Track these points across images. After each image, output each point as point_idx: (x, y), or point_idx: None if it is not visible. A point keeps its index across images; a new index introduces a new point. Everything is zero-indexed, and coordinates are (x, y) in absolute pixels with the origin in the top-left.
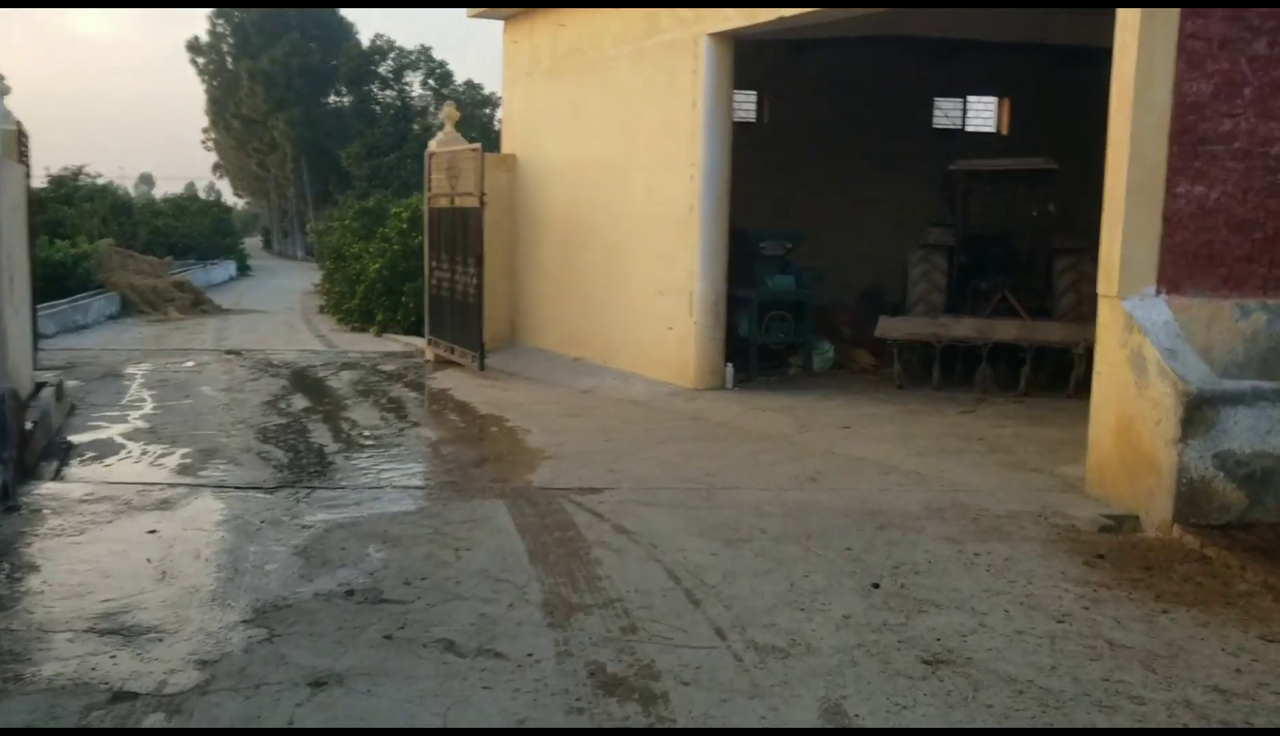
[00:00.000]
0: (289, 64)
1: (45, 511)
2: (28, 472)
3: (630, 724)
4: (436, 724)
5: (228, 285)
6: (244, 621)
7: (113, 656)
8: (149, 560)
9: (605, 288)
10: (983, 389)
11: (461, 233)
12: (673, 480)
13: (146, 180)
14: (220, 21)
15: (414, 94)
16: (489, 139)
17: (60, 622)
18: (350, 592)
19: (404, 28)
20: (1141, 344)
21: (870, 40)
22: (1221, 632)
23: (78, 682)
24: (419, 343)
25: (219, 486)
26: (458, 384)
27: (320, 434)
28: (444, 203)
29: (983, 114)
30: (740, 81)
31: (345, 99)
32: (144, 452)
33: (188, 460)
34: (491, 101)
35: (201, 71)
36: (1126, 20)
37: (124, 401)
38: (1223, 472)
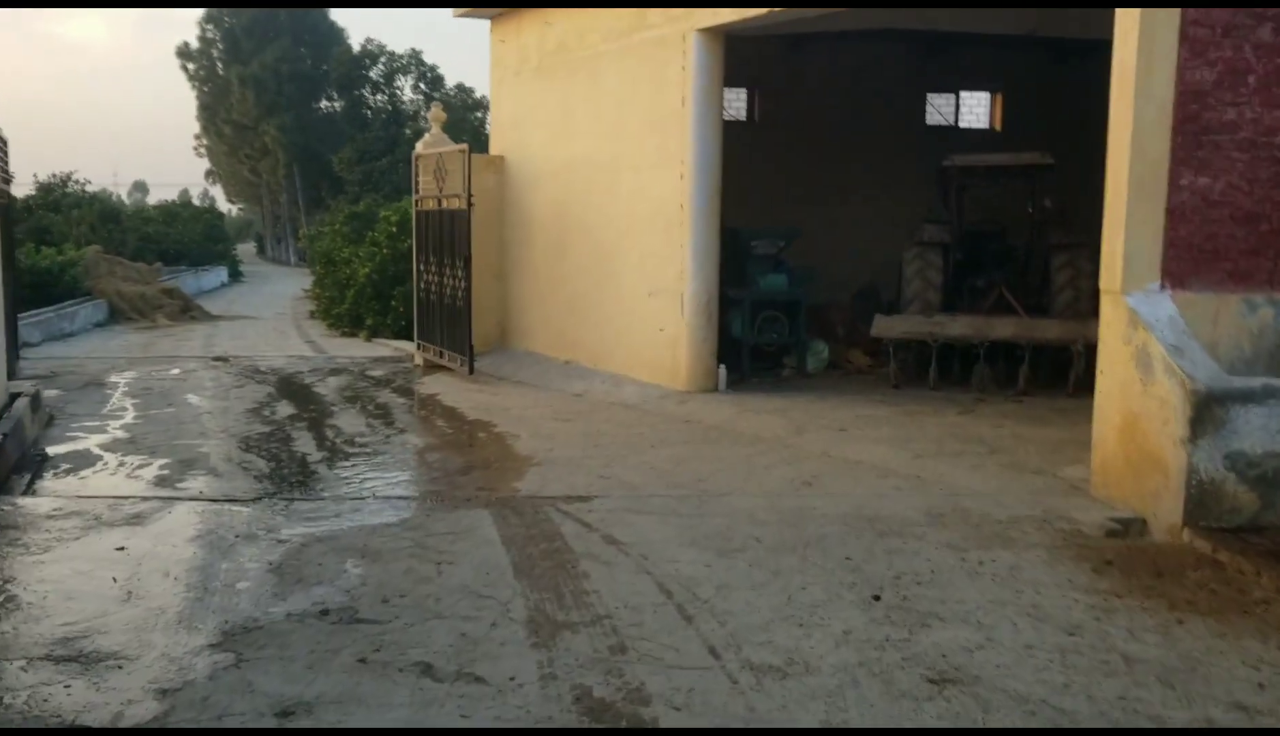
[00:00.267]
0: (279, 69)
1: (10, 528)
2: None
3: None
4: None
5: (219, 291)
6: (211, 645)
7: (67, 686)
8: (115, 579)
9: (595, 289)
10: (980, 388)
11: (449, 235)
12: (664, 486)
13: (140, 187)
14: (210, 27)
15: (405, 98)
16: (480, 142)
17: (15, 649)
18: (325, 612)
19: (394, 31)
20: (1147, 340)
21: (862, 35)
22: (1240, 644)
23: (27, 716)
24: (409, 347)
25: (195, 499)
26: (446, 389)
27: (304, 442)
28: (431, 205)
29: (976, 110)
30: (731, 79)
31: (336, 104)
32: (121, 464)
33: (165, 471)
34: (483, 105)
35: (192, 78)
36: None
37: (105, 411)
38: (1234, 473)
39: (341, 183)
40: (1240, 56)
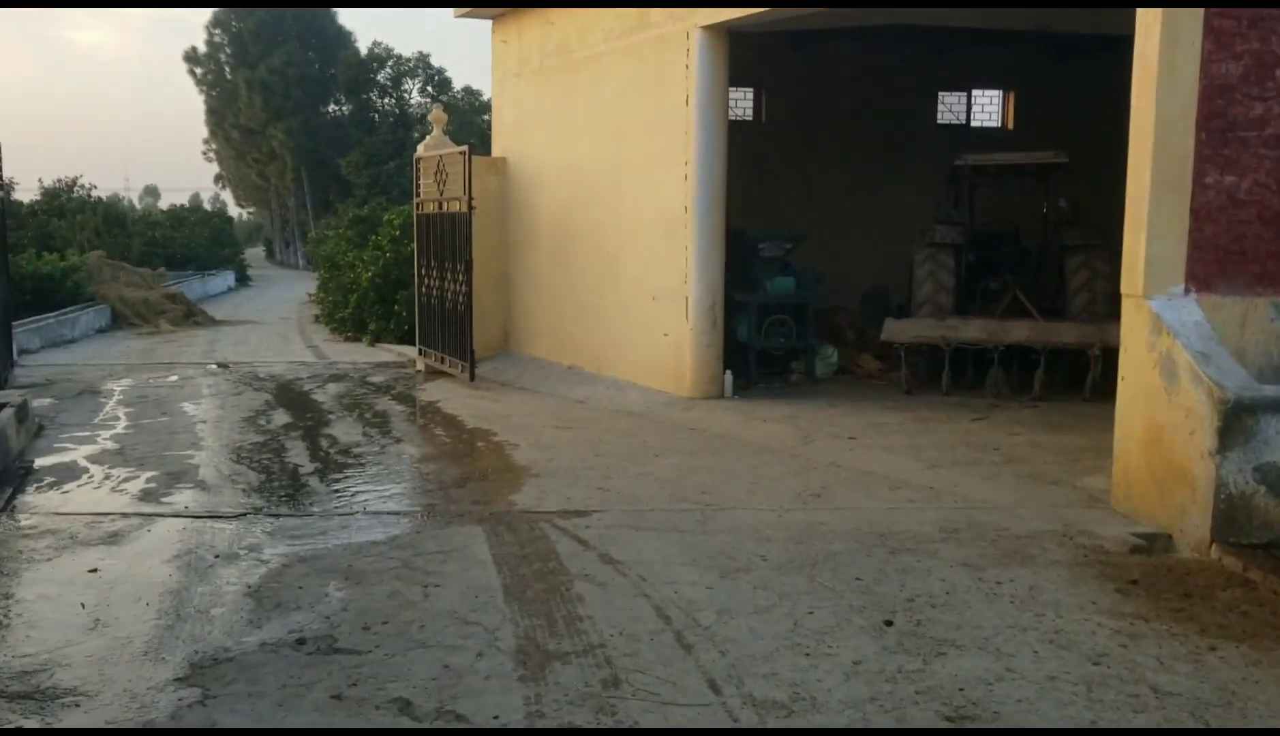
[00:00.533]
0: (287, 73)
1: None
2: None
3: None
4: None
5: (225, 296)
6: (177, 679)
7: (19, 727)
8: (83, 605)
9: (598, 293)
10: (995, 394)
11: (450, 239)
12: (666, 499)
13: (152, 192)
14: (218, 31)
15: (413, 101)
16: (487, 145)
17: None
18: (301, 641)
19: (401, 35)
20: (1171, 347)
21: (872, 33)
22: (1277, 673)
23: None
24: (411, 352)
25: (178, 515)
26: (447, 396)
27: (297, 453)
28: (432, 208)
29: (988, 108)
30: (737, 78)
31: (344, 107)
32: (107, 477)
33: (152, 485)
34: (490, 107)
35: (200, 82)
36: None
37: (96, 420)
38: (1264, 487)
39: (349, 186)
40: (1268, 49)
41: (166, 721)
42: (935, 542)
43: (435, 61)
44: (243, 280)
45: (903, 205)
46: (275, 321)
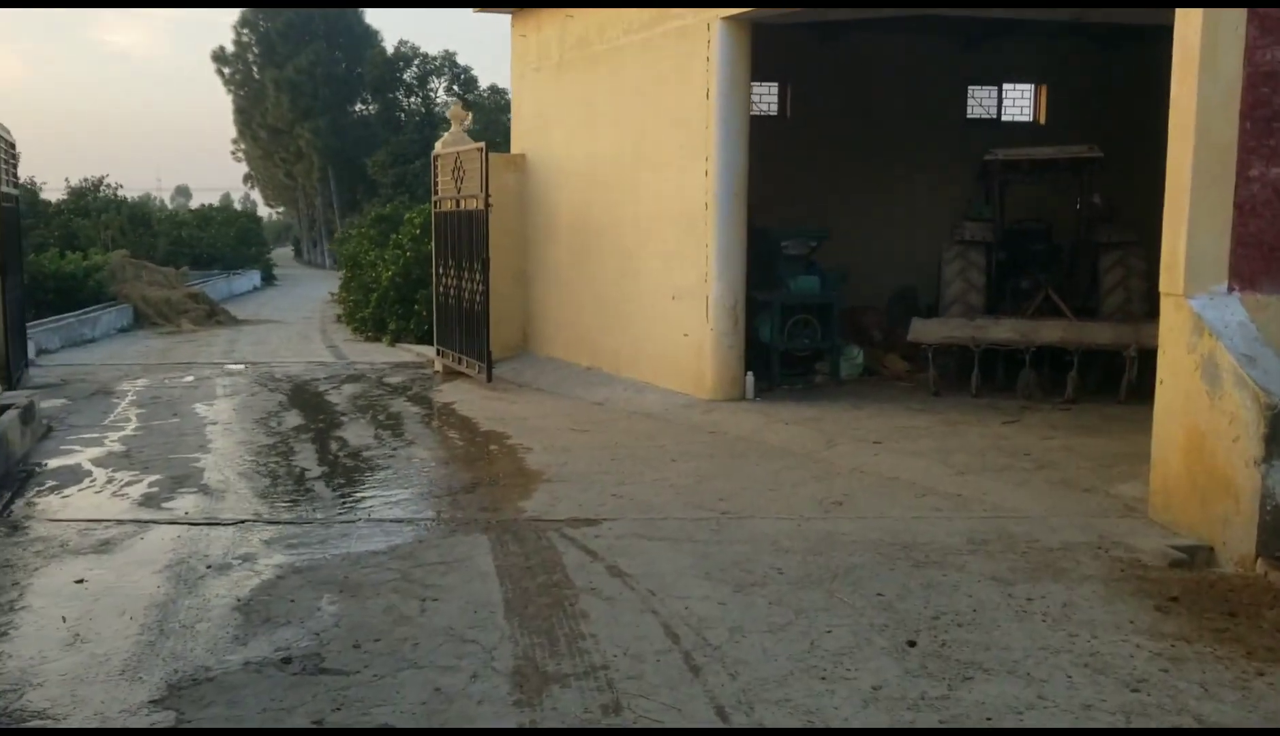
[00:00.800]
0: (314, 72)
1: None
2: None
3: None
4: None
5: (250, 295)
6: (152, 701)
7: None
8: (64, 618)
9: (617, 292)
10: (1026, 396)
11: (467, 237)
12: (681, 507)
13: (183, 192)
14: (245, 31)
15: (439, 100)
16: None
17: None
18: (287, 660)
19: (428, 34)
20: (1214, 349)
21: (900, 25)
22: None
23: None
24: (431, 353)
25: (174, 522)
26: (463, 397)
27: (305, 456)
28: (450, 206)
29: (1019, 102)
30: (762, 72)
31: (370, 107)
32: (109, 481)
33: (153, 490)
34: None
35: (228, 82)
36: None
37: (106, 421)
38: None
39: (376, 186)
40: None
41: None
42: (962, 555)
43: (461, 60)
44: (268, 279)
45: (931, 202)
46: (297, 321)
